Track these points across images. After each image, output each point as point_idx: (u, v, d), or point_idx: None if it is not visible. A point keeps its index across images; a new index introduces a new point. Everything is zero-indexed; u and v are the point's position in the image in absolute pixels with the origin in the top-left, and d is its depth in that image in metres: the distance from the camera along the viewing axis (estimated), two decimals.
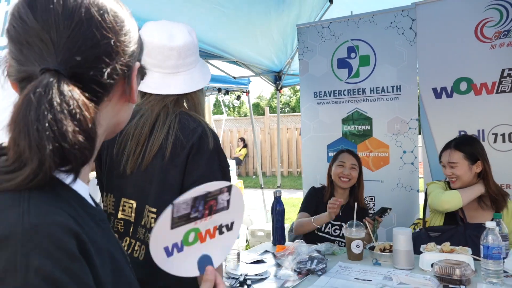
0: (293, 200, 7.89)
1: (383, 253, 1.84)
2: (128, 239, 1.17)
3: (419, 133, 3.14)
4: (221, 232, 0.73)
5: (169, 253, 0.67)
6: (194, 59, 1.20)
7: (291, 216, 5.77)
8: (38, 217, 0.45)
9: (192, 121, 1.15)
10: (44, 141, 0.47)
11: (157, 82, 1.14)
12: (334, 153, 3.33)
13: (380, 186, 3.19)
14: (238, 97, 4.94)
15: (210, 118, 7.29)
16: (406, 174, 3.11)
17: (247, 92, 4.96)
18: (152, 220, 1.12)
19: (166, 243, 0.67)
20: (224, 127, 12.02)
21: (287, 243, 2.23)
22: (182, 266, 0.68)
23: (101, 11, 0.55)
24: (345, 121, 3.35)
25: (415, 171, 3.08)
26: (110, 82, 0.56)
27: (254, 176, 12.25)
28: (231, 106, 20.83)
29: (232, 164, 6.10)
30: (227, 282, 1.59)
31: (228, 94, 4.95)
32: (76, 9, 0.53)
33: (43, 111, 0.48)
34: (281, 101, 20.45)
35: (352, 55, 3.28)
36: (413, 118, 3.08)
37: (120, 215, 1.18)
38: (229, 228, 0.74)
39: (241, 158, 12.29)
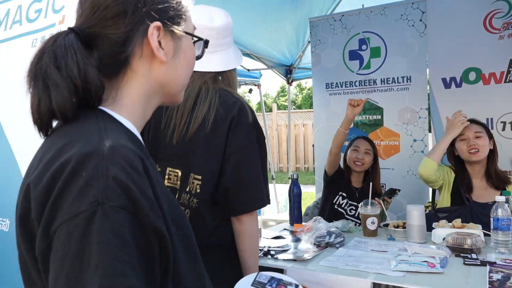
0: (303, 194, 7.98)
1: (397, 229, 1.94)
2: None
3: (429, 122, 3.23)
4: None
5: None
6: (230, 40, 1.31)
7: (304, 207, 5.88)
8: (114, 141, 0.56)
9: (231, 96, 1.26)
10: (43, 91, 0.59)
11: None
12: (346, 142, 3.47)
13: (391, 173, 3.29)
14: (250, 90, 5.04)
15: None
16: (416, 162, 3.19)
17: (258, 85, 5.07)
18: (198, 186, 1.24)
19: None
20: None
21: (303, 222, 2.34)
22: None
23: None
24: None
25: None
26: (123, 42, 0.63)
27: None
28: None
29: None
30: None
31: (240, 87, 5.06)
32: None
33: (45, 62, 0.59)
34: (286, 99, 20.45)
35: (363, 47, 3.38)
36: (423, 107, 3.17)
37: (166, 183, 1.30)
38: None
39: None
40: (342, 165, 2.60)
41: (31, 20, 1.37)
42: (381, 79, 3.31)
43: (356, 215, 2.39)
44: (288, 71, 4.75)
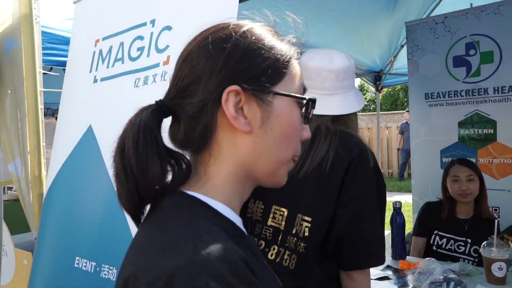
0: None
1: None
2: (276, 247, 1.18)
3: None
4: None
5: None
6: (350, 83, 1.23)
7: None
8: (212, 245, 0.46)
9: (352, 138, 1.16)
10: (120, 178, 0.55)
11: None
12: (449, 158, 3.10)
13: (507, 196, 2.86)
14: None
15: None
16: None
17: None
18: (306, 229, 1.13)
19: None
20: None
21: (408, 257, 2.10)
22: None
23: (202, 42, 0.58)
24: (462, 124, 3.06)
25: None
26: (192, 110, 0.56)
27: None
28: None
29: None
30: None
31: None
32: (187, 47, 0.61)
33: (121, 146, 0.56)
34: (366, 98, 19.66)
35: (472, 52, 2.98)
36: None
37: (269, 222, 1.20)
38: None
39: None
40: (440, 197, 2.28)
41: (133, 59, 1.35)
42: (494, 87, 2.89)
43: (467, 252, 2.08)
44: (377, 78, 4.44)
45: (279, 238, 1.19)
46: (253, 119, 0.56)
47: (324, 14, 2.55)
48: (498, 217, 2.89)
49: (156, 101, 0.58)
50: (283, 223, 1.19)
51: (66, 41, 2.18)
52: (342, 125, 1.20)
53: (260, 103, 0.56)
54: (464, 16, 2.98)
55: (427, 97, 3.21)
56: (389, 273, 1.87)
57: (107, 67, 1.45)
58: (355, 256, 1.12)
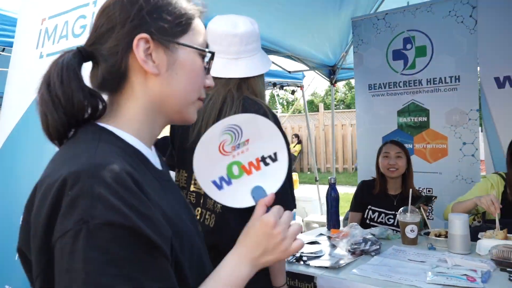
0: (348, 196, 7.83)
1: (439, 238, 1.86)
2: (199, 209, 1.32)
3: (480, 125, 3.05)
4: (266, 164, 0.78)
5: (218, 186, 0.77)
6: (256, 47, 1.31)
7: (345, 210, 5.77)
8: (101, 159, 0.58)
9: (254, 104, 1.26)
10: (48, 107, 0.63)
11: (221, 67, 1.27)
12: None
13: (438, 177, 3.15)
14: (293, 92, 5.03)
15: None
16: (466, 166, 3.03)
17: (301, 87, 5.04)
18: None
19: (211, 177, 0.77)
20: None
21: (341, 228, 2.31)
22: (236, 197, 0.77)
23: None
24: (400, 113, 3.34)
25: (476, 163, 3.00)
26: (115, 56, 0.65)
27: (308, 172, 12.28)
28: (285, 103, 20.91)
29: None
30: None
31: (283, 89, 5.07)
32: (106, 3, 0.68)
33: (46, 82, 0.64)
34: (335, 98, 20.15)
35: (408, 46, 3.25)
36: (474, 109, 3.00)
37: (192, 188, 1.34)
38: (274, 159, 0.79)
39: (296, 154, 12.36)
40: (375, 174, 2.51)
41: (76, 35, 1.47)
42: (427, 79, 3.18)
43: (395, 224, 2.31)
44: (331, 72, 4.68)
45: (201, 201, 1.32)
46: (160, 64, 0.66)
47: (271, 6, 2.72)
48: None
49: (78, 47, 0.67)
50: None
51: (15, 22, 2.24)
52: (249, 89, 1.32)
53: (167, 51, 0.67)
54: (402, 13, 3.25)
55: (370, 88, 3.46)
56: (321, 238, 2.06)
57: (53, 43, 1.56)
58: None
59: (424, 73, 3.18)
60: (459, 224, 1.75)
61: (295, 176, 5.94)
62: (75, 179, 0.55)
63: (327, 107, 14.32)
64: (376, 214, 2.40)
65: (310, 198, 5.47)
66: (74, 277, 0.51)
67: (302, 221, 4.95)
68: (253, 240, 0.70)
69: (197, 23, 0.72)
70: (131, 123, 0.68)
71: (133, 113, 0.69)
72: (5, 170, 1.59)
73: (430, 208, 2.24)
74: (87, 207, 0.53)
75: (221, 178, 0.77)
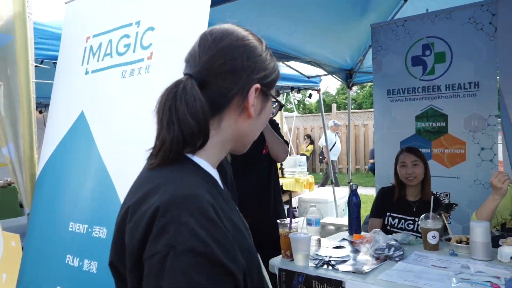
0: (362, 197, 7.88)
1: (460, 245, 1.92)
2: None
3: (500, 131, 3.09)
4: None
5: None
6: None
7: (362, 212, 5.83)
8: (188, 190, 0.67)
9: None
10: (171, 127, 0.71)
11: None
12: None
13: (456, 182, 3.20)
14: (310, 95, 5.10)
15: (281, 116, 7.51)
16: (484, 171, 3.08)
17: (318, 90, 5.11)
18: None
19: None
20: (288, 124, 12.21)
21: (363, 233, 2.38)
22: None
23: (237, 42, 0.77)
24: (419, 118, 3.39)
25: (495, 168, 3.04)
26: (228, 94, 0.75)
27: (321, 173, 12.31)
28: (296, 103, 20.93)
29: (303, 159, 6.29)
30: (312, 263, 1.80)
31: (299, 92, 5.14)
32: (220, 39, 0.78)
33: (172, 101, 0.71)
34: (347, 97, 20.07)
35: (427, 52, 3.30)
36: (492, 114, 3.04)
37: None
38: None
39: (308, 154, 12.41)
40: (393, 179, 2.57)
41: (120, 54, 1.58)
42: (446, 85, 3.22)
43: (415, 229, 2.37)
44: (348, 75, 4.74)
45: None
46: (256, 109, 0.79)
47: (291, 16, 2.80)
48: (449, 201, 3.22)
49: (191, 74, 0.75)
50: None
51: (55, 37, 2.37)
52: None
53: (263, 99, 0.81)
54: (421, 20, 3.30)
55: (389, 93, 3.52)
56: (344, 243, 2.15)
57: (97, 60, 1.67)
58: None
59: (443, 79, 3.23)
60: (481, 232, 1.81)
61: (310, 178, 6.01)
62: (166, 208, 0.64)
63: (339, 106, 14.34)
64: (396, 220, 2.47)
65: (326, 200, 5.54)
66: None
67: None
68: None
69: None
70: (209, 152, 0.77)
71: (214, 143, 0.77)
72: (54, 179, 1.70)
73: (449, 215, 2.30)
74: (174, 234, 0.61)
75: None
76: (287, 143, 2.67)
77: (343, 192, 5.86)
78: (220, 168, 0.85)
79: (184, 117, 0.70)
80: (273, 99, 0.84)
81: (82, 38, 1.76)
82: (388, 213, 2.49)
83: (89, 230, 1.44)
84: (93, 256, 1.39)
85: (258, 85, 0.77)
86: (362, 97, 19.68)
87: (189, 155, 0.76)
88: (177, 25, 1.42)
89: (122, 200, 0.81)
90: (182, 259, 0.60)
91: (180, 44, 1.33)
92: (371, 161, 11.26)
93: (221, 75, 0.75)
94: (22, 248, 2.09)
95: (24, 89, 2.09)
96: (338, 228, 4.63)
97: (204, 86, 0.75)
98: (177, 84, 0.74)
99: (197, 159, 0.76)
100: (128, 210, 0.71)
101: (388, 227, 2.48)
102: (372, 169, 11.17)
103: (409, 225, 2.44)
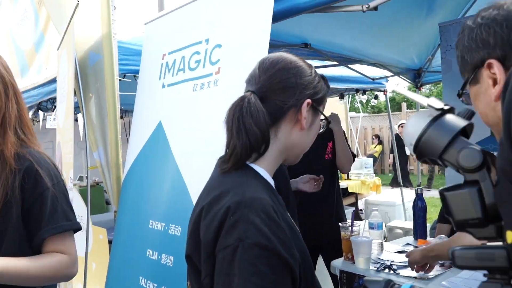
0: (434, 200, 7.52)
1: None
2: None
3: None
4: None
5: None
6: None
7: (432, 215, 5.58)
8: (254, 193, 0.79)
9: None
10: (240, 135, 0.83)
11: None
12: None
13: None
14: (376, 97, 5.01)
15: (346, 116, 7.43)
16: None
17: (384, 91, 5.00)
18: None
19: None
20: (354, 124, 11.96)
21: (428, 238, 2.34)
22: None
23: (291, 65, 0.91)
24: None
25: None
26: (284, 106, 0.88)
27: (390, 174, 11.91)
28: (363, 102, 20.36)
29: (369, 161, 6.18)
30: (373, 266, 1.83)
31: (365, 94, 5.08)
32: (277, 63, 0.91)
33: (239, 113, 0.85)
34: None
35: None
36: None
37: None
38: None
39: (376, 155, 12.06)
40: None
41: (192, 69, 1.75)
42: None
43: None
44: (416, 75, 4.58)
45: None
46: (307, 122, 0.91)
47: (355, 22, 2.81)
48: None
49: (253, 91, 0.88)
50: None
51: (136, 53, 2.64)
52: None
53: (313, 114, 0.93)
54: None
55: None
56: (408, 248, 2.13)
57: (172, 75, 1.87)
58: None
59: None
60: None
61: (377, 180, 5.88)
62: (236, 208, 0.76)
63: (410, 105, 13.72)
64: None
65: (394, 202, 5.39)
66: (232, 279, 0.72)
67: (385, 226, 4.91)
68: None
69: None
70: (268, 162, 0.90)
71: (272, 153, 0.90)
72: (137, 182, 1.93)
73: None
74: (243, 230, 0.74)
75: None
76: (355, 155, 2.73)
77: (412, 195, 5.65)
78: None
79: (250, 126, 0.83)
80: (322, 115, 0.95)
81: (159, 55, 1.97)
82: None
83: (166, 228, 1.62)
84: (170, 251, 1.56)
85: (309, 100, 0.90)
86: (436, 94, 18.62)
87: (251, 165, 0.88)
88: (241, 41, 1.55)
89: (194, 202, 0.95)
90: (250, 251, 0.72)
91: (243, 59, 1.45)
92: None
93: (278, 91, 0.88)
94: (109, 241, 2.37)
95: (111, 100, 2.37)
96: (406, 232, 4.50)
97: (264, 100, 0.87)
98: (242, 98, 0.87)
99: (257, 167, 0.88)
100: (202, 210, 0.84)
101: None
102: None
103: None
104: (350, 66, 3.88)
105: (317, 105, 0.92)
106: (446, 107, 0.68)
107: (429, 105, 0.71)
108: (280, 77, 0.89)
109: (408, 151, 8.58)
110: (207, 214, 0.81)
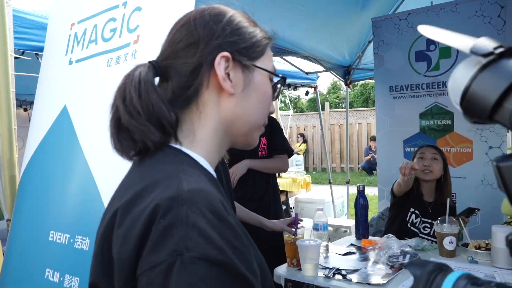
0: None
1: (479, 251, 1.78)
2: None
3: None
4: None
5: None
6: None
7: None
8: (194, 184, 0.53)
9: None
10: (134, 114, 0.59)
11: None
12: (411, 148, 3.29)
13: (463, 182, 3.06)
14: (307, 93, 4.95)
15: (277, 114, 7.37)
16: (492, 170, 2.94)
17: (315, 88, 4.96)
18: None
19: None
20: (283, 122, 12.07)
21: (370, 237, 2.23)
22: None
23: (199, 15, 0.66)
24: (423, 115, 3.25)
25: None
26: (188, 71, 0.63)
27: (314, 172, 12.21)
28: (288, 101, 20.78)
29: (300, 158, 6.15)
30: (321, 272, 1.63)
31: (296, 90, 4.99)
32: (181, 19, 0.68)
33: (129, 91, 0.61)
34: (338, 96, 20.05)
35: (432, 47, 3.17)
36: None
37: None
38: None
39: (301, 153, 12.29)
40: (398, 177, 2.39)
41: (106, 40, 1.40)
42: None
43: (431, 234, 2.20)
44: (346, 72, 4.60)
45: None
46: (237, 83, 0.64)
47: (294, 8, 2.64)
48: (455, 203, 3.09)
49: (150, 61, 0.65)
50: None
51: (39, 26, 2.17)
52: None
53: (244, 71, 0.65)
54: (425, 13, 3.16)
55: (391, 90, 3.38)
56: (352, 249, 1.99)
57: (82, 49, 1.49)
58: None
59: (448, 74, 3.06)
60: (503, 237, 1.67)
61: (307, 178, 5.86)
62: (169, 206, 0.49)
63: (331, 106, 14.26)
64: (418, 219, 2.28)
65: (323, 200, 5.39)
66: None
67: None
68: None
69: (269, 49, 0.71)
70: (203, 144, 0.64)
71: (204, 133, 0.64)
72: (36, 182, 1.52)
73: (469, 220, 2.15)
74: (182, 238, 0.47)
75: None
76: (291, 151, 2.52)
77: (340, 192, 5.72)
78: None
79: (135, 111, 0.60)
80: (262, 70, 0.67)
81: (67, 24, 1.58)
82: (411, 209, 2.29)
83: (71, 240, 1.26)
84: (75, 271, 1.21)
85: (225, 53, 0.63)
86: (353, 95, 19.62)
87: (184, 149, 0.62)
88: (165, 4, 1.25)
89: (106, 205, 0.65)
90: (192, 270, 0.46)
91: (167, 24, 1.15)
92: (366, 158, 11.19)
93: (179, 52, 0.64)
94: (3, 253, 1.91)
95: (3, 82, 1.90)
96: (337, 229, 4.48)
97: (168, 72, 0.65)
98: (131, 72, 0.63)
99: (191, 153, 0.62)
100: (116, 214, 0.55)
101: (409, 225, 2.28)
102: (365, 167, 11.09)
103: (425, 229, 2.25)
104: (284, 57, 3.72)
105: (245, 58, 0.65)
106: (498, 50, 0.45)
107: (472, 52, 0.48)
108: (181, 36, 0.65)
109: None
110: (123, 220, 0.54)
